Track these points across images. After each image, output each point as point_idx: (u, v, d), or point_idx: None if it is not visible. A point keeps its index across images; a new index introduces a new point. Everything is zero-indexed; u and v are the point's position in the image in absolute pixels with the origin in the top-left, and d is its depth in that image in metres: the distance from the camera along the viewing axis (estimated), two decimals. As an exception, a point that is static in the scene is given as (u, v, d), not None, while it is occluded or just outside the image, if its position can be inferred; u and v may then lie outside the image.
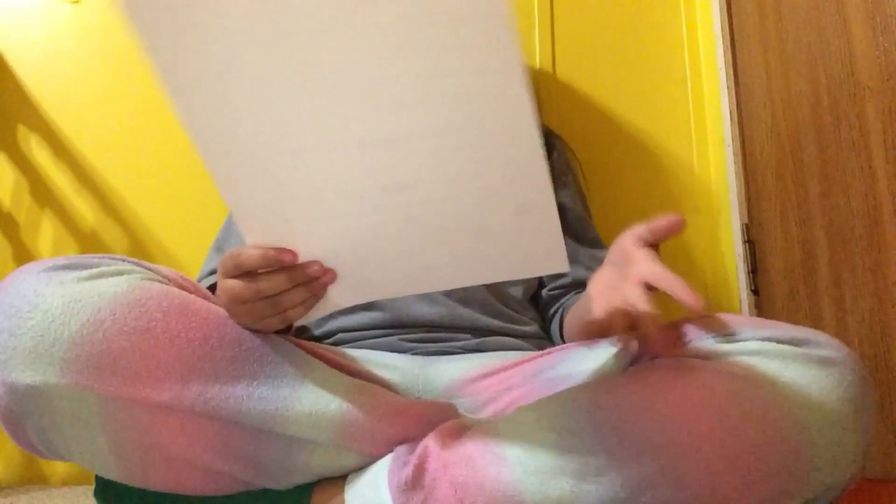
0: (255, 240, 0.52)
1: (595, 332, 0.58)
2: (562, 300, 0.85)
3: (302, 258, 0.53)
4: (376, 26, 0.41)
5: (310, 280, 0.53)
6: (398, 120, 0.44)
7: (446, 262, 0.52)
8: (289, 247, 0.52)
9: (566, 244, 0.89)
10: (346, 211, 0.49)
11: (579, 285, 0.85)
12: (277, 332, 0.60)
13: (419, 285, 0.55)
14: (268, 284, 0.53)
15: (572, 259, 0.88)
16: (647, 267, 0.53)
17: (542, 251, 0.48)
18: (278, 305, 0.54)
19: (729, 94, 1.16)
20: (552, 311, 0.86)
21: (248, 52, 0.43)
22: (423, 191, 0.48)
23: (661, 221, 0.56)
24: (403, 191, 0.48)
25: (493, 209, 0.48)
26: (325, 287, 0.54)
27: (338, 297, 0.56)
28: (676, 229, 0.56)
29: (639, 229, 0.57)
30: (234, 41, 0.42)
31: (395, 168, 0.47)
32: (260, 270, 0.53)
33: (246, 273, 0.54)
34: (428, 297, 0.78)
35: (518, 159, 0.45)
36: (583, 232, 0.91)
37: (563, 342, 0.81)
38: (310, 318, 0.58)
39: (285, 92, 0.44)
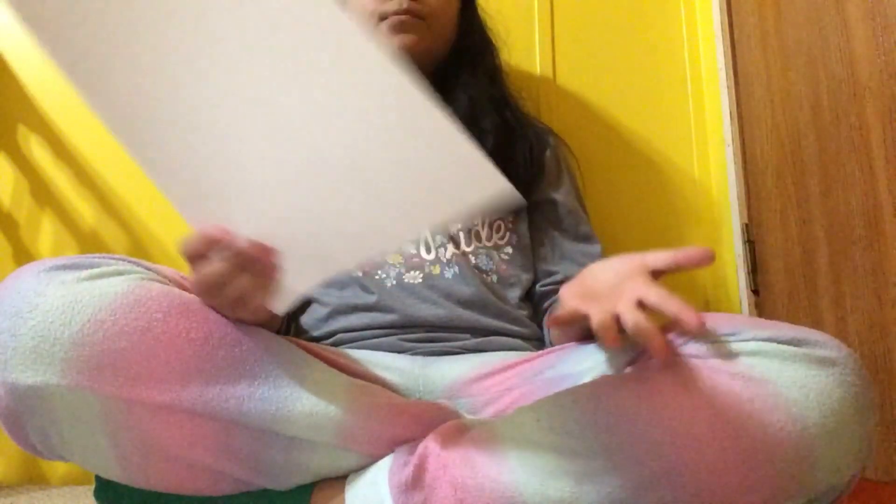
0: (198, 227, 0.53)
1: (575, 321, 0.60)
2: (552, 297, 0.85)
3: None
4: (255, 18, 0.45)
5: (252, 263, 0.53)
6: (289, 100, 0.48)
7: (386, 221, 0.52)
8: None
9: (557, 241, 0.90)
10: (273, 192, 0.51)
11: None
12: (269, 327, 0.61)
13: (369, 250, 0.56)
14: (210, 271, 0.54)
15: (563, 255, 0.89)
16: (645, 286, 0.55)
17: (473, 181, 0.49)
18: (230, 294, 0.54)
19: (729, 94, 1.16)
20: (543, 307, 0.86)
21: (149, 41, 0.46)
22: (335, 163, 0.49)
23: (691, 252, 0.57)
24: (318, 166, 0.50)
25: (407, 161, 0.49)
26: (271, 269, 0.54)
27: (296, 281, 0.56)
28: (704, 262, 0.57)
29: (656, 258, 0.58)
30: (136, 31, 0.46)
31: (302, 144, 0.49)
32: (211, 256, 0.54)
33: (197, 260, 0.54)
34: (429, 299, 0.78)
35: (405, 108, 0.46)
36: (574, 228, 0.91)
37: (551, 343, 0.81)
38: (280, 307, 0.58)
39: (190, 78, 0.47)
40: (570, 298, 0.64)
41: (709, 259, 0.57)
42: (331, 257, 0.55)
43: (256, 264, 0.54)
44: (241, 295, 0.54)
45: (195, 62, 0.47)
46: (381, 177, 0.50)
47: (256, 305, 0.56)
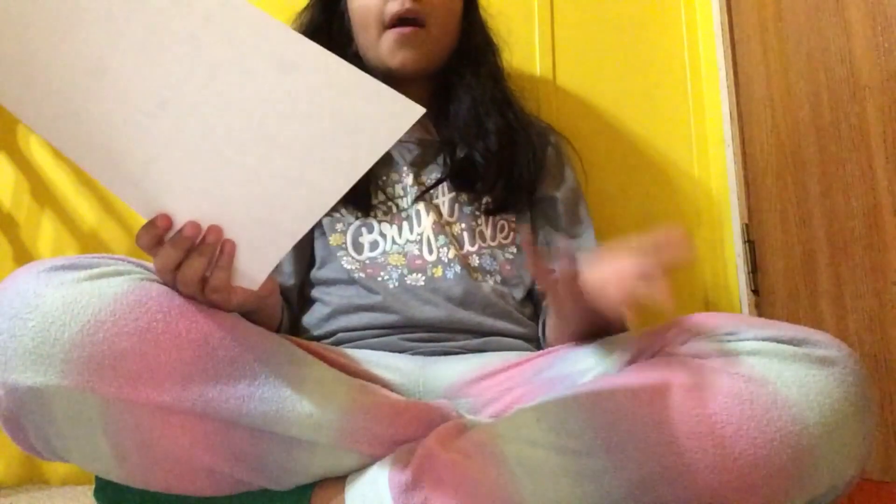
0: (145, 214, 0.55)
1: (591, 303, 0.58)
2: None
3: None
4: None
5: (198, 244, 0.54)
6: (196, 83, 0.49)
7: (318, 176, 0.54)
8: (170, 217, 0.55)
9: (553, 239, 0.90)
10: (205, 173, 0.53)
11: None
12: (268, 326, 0.61)
13: (315, 209, 0.57)
14: (163, 255, 0.55)
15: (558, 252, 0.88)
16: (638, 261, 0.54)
17: (383, 111, 0.50)
18: (188, 275, 0.55)
19: (729, 94, 1.16)
20: (543, 304, 0.86)
21: (65, 35, 0.48)
22: (255, 134, 0.51)
23: (667, 238, 0.56)
24: (239, 140, 0.51)
25: (319, 114, 0.50)
26: (218, 245, 0.55)
27: (257, 256, 0.57)
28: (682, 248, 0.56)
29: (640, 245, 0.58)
30: (54, 27, 0.48)
31: (219, 122, 0.51)
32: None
33: (154, 249, 0.56)
34: (430, 301, 0.78)
35: (300, 63, 0.48)
36: (570, 227, 0.91)
37: (546, 344, 0.81)
38: (251, 284, 0.58)
39: (106, 70, 0.49)
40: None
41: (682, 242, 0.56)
42: (280, 226, 0.56)
43: (203, 244, 0.54)
44: (198, 275, 0.55)
45: (105, 52, 0.49)
46: (299, 135, 0.51)
47: (224, 286, 0.56)
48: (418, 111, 0.48)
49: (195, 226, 0.54)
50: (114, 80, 0.50)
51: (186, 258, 0.55)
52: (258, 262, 0.57)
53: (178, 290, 0.57)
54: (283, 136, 0.51)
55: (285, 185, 0.53)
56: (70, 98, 0.50)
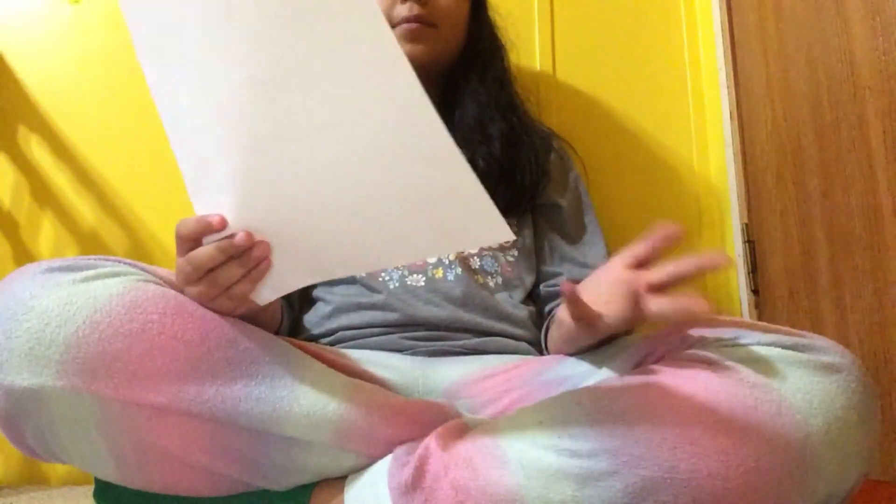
0: (199, 205, 0.55)
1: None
2: (556, 300, 0.85)
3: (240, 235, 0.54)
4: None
5: (242, 253, 0.54)
6: (315, 109, 0.49)
7: (384, 242, 0.53)
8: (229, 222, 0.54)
9: (560, 244, 0.90)
10: (283, 192, 0.52)
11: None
12: (267, 327, 0.61)
13: (361, 265, 0.57)
14: (200, 254, 0.54)
15: (564, 258, 0.88)
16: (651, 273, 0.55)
17: (477, 223, 0.50)
18: (220, 280, 0.55)
19: (729, 94, 1.16)
20: (546, 308, 0.86)
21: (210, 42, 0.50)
22: (349, 178, 0.50)
23: (659, 234, 0.57)
24: (331, 176, 0.50)
25: (418, 191, 0.49)
26: (259, 262, 0.55)
27: (282, 279, 0.57)
28: (675, 237, 0.57)
29: (631, 252, 0.58)
30: (200, 35, 0.50)
31: (320, 151, 0.50)
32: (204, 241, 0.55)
33: (188, 243, 0.55)
34: (430, 300, 0.78)
35: (424, 143, 0.47)
36: (576, 235, 0.91)
37: (549, 353, 0.81)
38: (261, 300, 0.59)
39: (238, 72, 0.49)
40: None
41: (677, 235, 0.57)
42: (319, 263, 0.56)
43: (247, 256, 0.54)
44: (230, 283, 0.55)
45: (236, 57, 0.49)
46: (391, 201, 0.50)
47: (243, 297, 0.56)
48: (509, 236, 0.48)
49: (249, 237, 0.53)
50: (238, 78, 0.49)
51: (225, 263, 0.54)
52: (278, 284, 0.57)
53: (189, 288, 0.57)
54: (376, 194, 0.50)
55: (351, 234, 0.53)
56: (201, 84, 0.51)
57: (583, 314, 0.60)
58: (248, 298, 0.57)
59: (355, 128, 0.48)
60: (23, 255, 1.07)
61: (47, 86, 1.12)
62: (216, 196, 0.54)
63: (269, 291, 0.58)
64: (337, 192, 0.51)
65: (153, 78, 0.53)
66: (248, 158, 0.52)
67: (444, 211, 0.49)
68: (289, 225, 0.54)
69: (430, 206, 0.50)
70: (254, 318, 0.62)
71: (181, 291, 0.58)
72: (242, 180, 0.53)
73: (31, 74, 1.12)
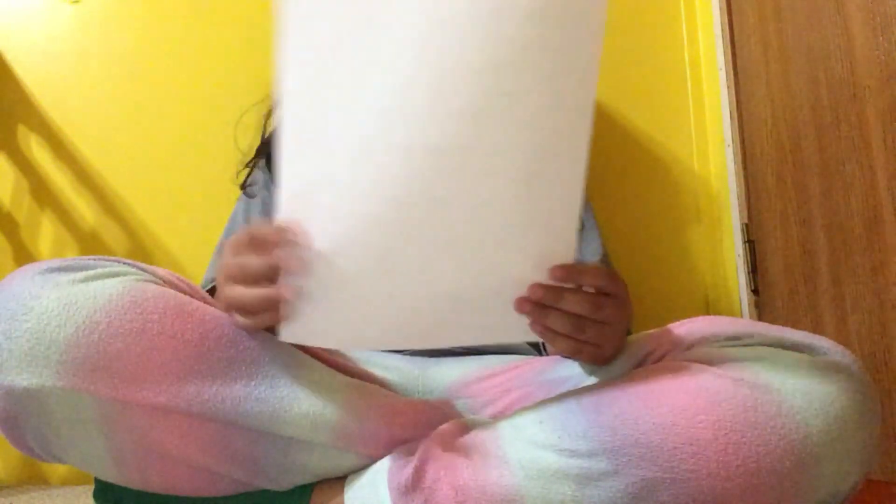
0: (285, 209, 0.52)
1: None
2: None
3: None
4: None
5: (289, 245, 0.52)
6: (465, 128, 0.48)
7: (443, 322, 0.53)
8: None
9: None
10: (385, 247, 0.51)
11: None
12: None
13: (405, 340, 0.56)
14: (259, 263, 0.52)
15: None
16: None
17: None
18: (267, 292, 0.52)
19: (729, 94, 1.16)
20: None
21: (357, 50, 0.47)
22: (455, 209, 0.50)
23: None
24: (439, 207, 0.49)
25: (511, 261, 0.50)
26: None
27: (307, 324, 0.54)
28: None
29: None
30: (349, 41, 0.47)
31: (441, 178, 0.49)
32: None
33: (246, 249, 0.54)
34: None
35: (557, 216, 0.49)
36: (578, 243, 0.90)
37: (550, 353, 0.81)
38: (286, 335, 0.55)
39: (374, 85, 0.48)
40: None
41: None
42: (366, 331, 0.55)
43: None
44: (274, 298, 0.52)
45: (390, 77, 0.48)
46: (483, 299, 0.51)
47: (270, 315, 0.54)
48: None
49: (319, 258, 0.51)
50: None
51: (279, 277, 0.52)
52: (306, 333, 0.55)
53: (225, 288, 0.55)
54: (473, 292, 0.51)
55: (422, 312, 0.53)
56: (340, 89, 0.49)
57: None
58: (267, 321, 0.55)
59: (507, 161, 0.48)
60: (23, 255, 1.07)
61: (47, 86, 1.12)
62: (308, 209, 0.51)
63: (298, 332, 0.54)
64: (440, 259, 0.50)
65: (293, 86, 0.48)
66: (381, 210, 0.49)
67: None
68: (371, 280, 0.52)
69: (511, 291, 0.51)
70: None
71: (221, 295, 0.57)
72: (348, 210, 0.50)
73: (31, 74, 1.12)
